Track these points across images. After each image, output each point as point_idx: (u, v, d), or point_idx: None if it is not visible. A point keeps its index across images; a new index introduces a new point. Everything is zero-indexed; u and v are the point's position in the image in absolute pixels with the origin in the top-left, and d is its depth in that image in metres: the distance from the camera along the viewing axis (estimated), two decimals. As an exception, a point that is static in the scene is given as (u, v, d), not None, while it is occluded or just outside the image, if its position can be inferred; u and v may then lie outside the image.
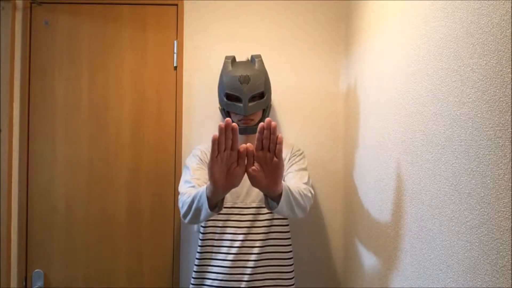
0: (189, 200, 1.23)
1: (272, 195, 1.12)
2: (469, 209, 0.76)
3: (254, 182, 1.07)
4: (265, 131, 1.01)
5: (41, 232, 1.77)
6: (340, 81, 1.83)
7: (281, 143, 1.02)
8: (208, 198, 1.12)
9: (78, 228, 1.77)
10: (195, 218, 1.23)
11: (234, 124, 0.99)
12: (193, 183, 1.37)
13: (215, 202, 1.13)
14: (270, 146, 1.02)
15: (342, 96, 1.82)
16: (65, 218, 1.77)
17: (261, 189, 1.11)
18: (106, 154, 1.79)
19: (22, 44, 1.78)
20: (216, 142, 0.99)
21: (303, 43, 1.82)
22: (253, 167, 1.05)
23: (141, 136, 1.80)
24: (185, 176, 1.47)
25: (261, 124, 1.01)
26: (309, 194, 1.32)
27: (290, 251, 1.53)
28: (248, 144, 1.04)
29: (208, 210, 1.14)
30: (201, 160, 1.49)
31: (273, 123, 1.00)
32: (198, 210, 1.18)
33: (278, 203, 1.13)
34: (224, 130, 0.98)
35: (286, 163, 1.51)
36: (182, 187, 1.41)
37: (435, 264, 0.90)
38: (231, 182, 1.05)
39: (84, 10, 1.80)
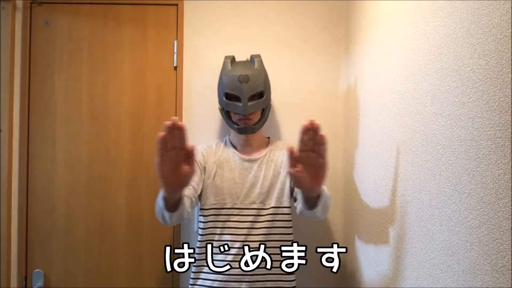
0: (156, 201, 1.23)
1: (313, 195, 1.13)
2: (469, 209, 0.76)
3: (298, 183, 1.06)
4: (309, 132, 1.00)
5: (41, 232, 1.77)
6: (340, 81, 1.83)
7: (325, 143, 1.00)
8: (165, 199, 1.11)
9: (78, 228, 1.77)
10: (164, 220, 1.22)
11: (180, 123, 0.97)
12: None
13: (173, 202, 1.12)
14: (314, 146, 1.01)
15: (342, 96, 1.82)
16: (65, 218, 1.77)
17: (304, 190, 1.11)
18: (106, 154, 1.79)
19: (22, 44, 1.78)
20: (162, 141, 0.96)
21: (303, 43, 1.82)
22: (297, 168, 1.03)
23: (141, 136, 1.80)
24: None
25: (304, 124, 1.00)
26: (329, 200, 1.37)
27: (285, 251, 1.51)
28: (291, 146, 1.03)
29: (165, 211, 1.13)
30: (197, 159, 1.49)
31: (316, 123, 0.99)
32: (161, 212, 1.18)
33: (313, 205, 1.15)
34: (171, 129, 0.95)
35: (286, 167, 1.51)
36: None
37: (435, 264, 0.90)
38: (180, 181, 1.03)
39: (84, 10, 1.80)
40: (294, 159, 1.02)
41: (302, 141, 1.00)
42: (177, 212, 1.16)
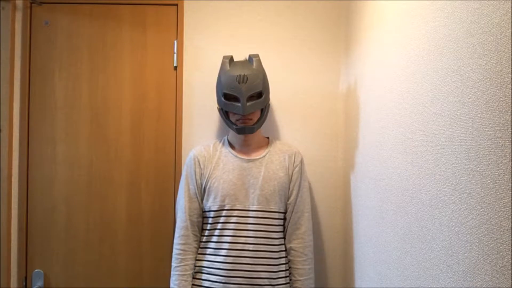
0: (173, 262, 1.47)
1: None
2: (469, 209, 0.76)
3: None
4: None
5: (41, 232, 1.77)
6: (340, 81, 1.83)
7: None
8: None
9: (78, 228, 1.77)
10: None
11: None
12: (188, 225, 1.48)
13: None
14: None
15: (342, 96, 1.82)
16: (65, 218, 1.77)
17: None
18: (106, 154, 1.79)
19: (22, 44, 1.78)
20: None
21: (303, 43, 1.82)
22: None
23: (141, 136, 1.80)
24: (180, 201, 1.51)
25: None
26: (312, 250, 1.51)
27: (283, 250, 1.51)
28: None
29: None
30: (194, 177, 1.51)
31: None
32: None
33: None
34: None
35: (287, 173, 1.51)
36: (178, 224, 1.51)
37: (435, 264, 0.90)
38: None
39: (84, 10, 1.80)
40: None
41: None
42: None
